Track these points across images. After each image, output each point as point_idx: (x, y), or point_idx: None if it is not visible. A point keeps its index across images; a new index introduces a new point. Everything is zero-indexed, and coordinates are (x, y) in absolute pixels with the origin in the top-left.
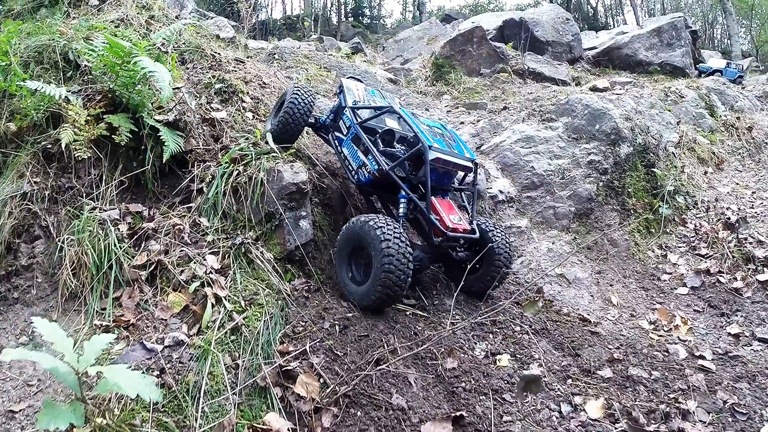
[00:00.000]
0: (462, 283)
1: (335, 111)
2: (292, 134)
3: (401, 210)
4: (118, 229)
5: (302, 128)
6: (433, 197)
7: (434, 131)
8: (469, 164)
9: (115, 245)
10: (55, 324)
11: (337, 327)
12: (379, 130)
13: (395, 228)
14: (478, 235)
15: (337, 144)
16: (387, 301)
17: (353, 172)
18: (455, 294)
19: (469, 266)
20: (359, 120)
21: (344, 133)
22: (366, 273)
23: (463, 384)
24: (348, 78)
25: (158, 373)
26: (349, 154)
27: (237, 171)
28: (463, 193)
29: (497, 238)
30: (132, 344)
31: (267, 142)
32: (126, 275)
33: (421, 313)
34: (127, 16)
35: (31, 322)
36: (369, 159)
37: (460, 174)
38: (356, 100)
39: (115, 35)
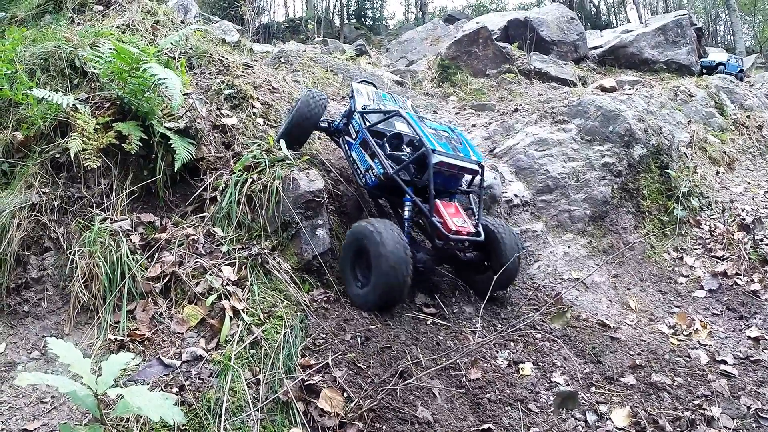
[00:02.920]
0: (488, 293)
1: (347, 115)
2: (300, 136)
3: (406, 213)
4: (131, 240)
5: (310, 131)
6: (438, 200)
7: (440, 134)
8: (475, 167)
9: (127, 257)
10: (71, 344)
11: (358, 339)
12: (388, 134)
13: (392, 230)
14: (482, 237)
15: (347, 148)
16: (387, 303)
17: (361, 176)
18: (482, 306)
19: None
20: (367, 124)
21: (353, 137)
22: (367, 276)
23: (488, 395)
24: (360, 82)
25: (177, 390)
26: (358, 157)
27: (251, 179)
28: (471, 196)
29: (505, 238)
30: (148, 360)
31: (280, 149)
32: (139, 287)
33: (441, 322)
34: (132, 21)
35: (43, 336)
36: (375, 162)
37: (469, 177)
38: (366, 104)
39: (122, 41)
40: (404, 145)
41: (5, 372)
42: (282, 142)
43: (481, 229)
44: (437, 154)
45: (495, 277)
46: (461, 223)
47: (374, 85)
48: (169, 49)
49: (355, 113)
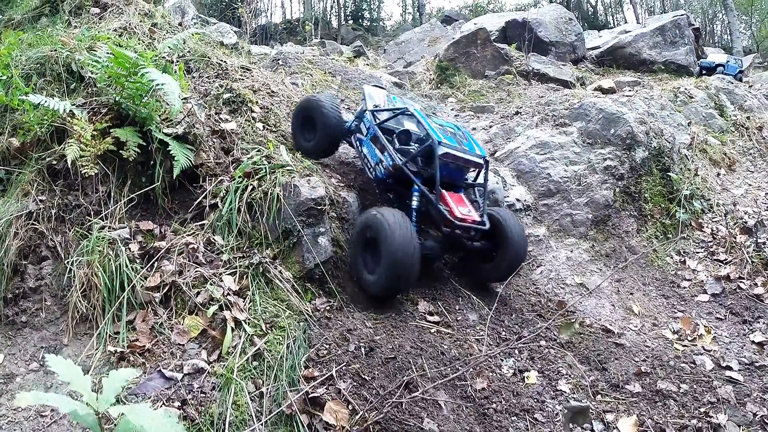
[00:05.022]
0: (497, 280)
1: (359, 116)
2: (333, 148)
3: (414, 203)
4: (129, 248)
5: (341, 139)
6: (444, 191)
7: (447, 130)
8: (480, 161)
9: (126, 266)
10: (70, 361)
11: (362, 349)
12: (397, 131)
13: (401, 218)
14: (488, 226)
15: (358, 144)
16: (396, 289)
17: (371, 169)
18: (490, 315)
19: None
20: (378, 121)
21: (364, 134)
22: (377, 262)
23: (494, 405)
24: (372, 86)
25: (179, 404)
26: (368, 152)
27: (251, 186)
28: (476, 190)
29: (510, 225)
30: (149, 372)
31: (281, 155)
32: (139, 297)
33: (446, 330)
34: (129, 24)
35: (42, 347)
36: (385, 156)
37: (474, 172)
38: (377, 104)
39: (120, 45)
40: (412, 142)
41: (4, 384)
42: (282, 148)
43: (486, 218)
44: (443, 145)
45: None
46: (467, 212)
47: (385, 89)
48: (167, 53)
49: (367, 112)
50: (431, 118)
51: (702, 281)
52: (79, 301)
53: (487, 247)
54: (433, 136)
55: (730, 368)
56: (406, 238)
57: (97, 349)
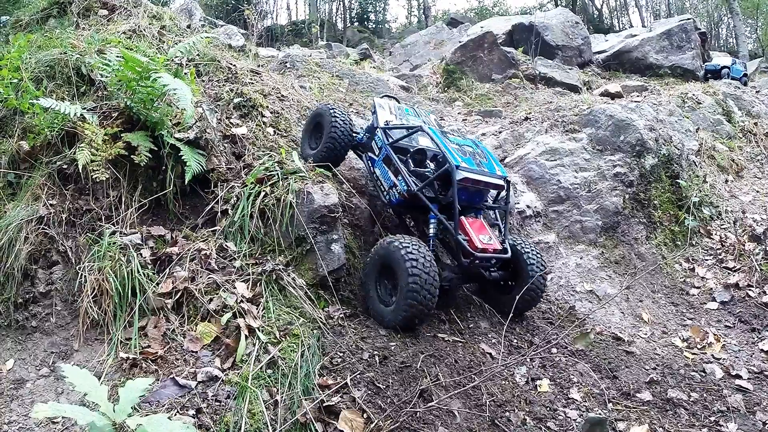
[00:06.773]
0: (513, 313)
1: (369, 130)
2: (337, 157)
3: (431, 230)
4: (141, 254)
5: (347, 151)
6: (463, 217)
7: (464, 149)
8: (501, 182)
9: (138, 272)
10: (86, 371)
11: (377, 357)
12: (411, 150)
13: (421, 249)
14: (509, 254)
15: (370, 165)
16: (412, 323)
17: (385, 193)
18: (505, 326)
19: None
20: (390, 140)
21: (376, 154)
22: (393, 294)
23: (507, 413)
24: (382, 97)
25: (194, 412)
26: (381, 174)
27: (263, 192)
28: (496, 211)
29: (531, 257)
30: (162, 380)
31: (293, 161)
32: (151, 303)
33: (458, 339)
34: (138, 26)
35: (52, 352)
36: (399, 179)
37: (494, 192)
38: (388, 120)
39: (130, 48)
40: (428, 161)
41: (14, 390)
42: (295, 154)
43: (508, 245)
44: (461, 170)
45: (519, 296)
46: (487, 240)
47: (397, 100)
48: (177, 56)
49: (378, 129)
50: (447, 137)
51: (711, 289)
52: (90, 306)
53: (505, 277)
54: (450, 161)
55: (739, 377)
56: (427, 272)
57: (108, 355)
